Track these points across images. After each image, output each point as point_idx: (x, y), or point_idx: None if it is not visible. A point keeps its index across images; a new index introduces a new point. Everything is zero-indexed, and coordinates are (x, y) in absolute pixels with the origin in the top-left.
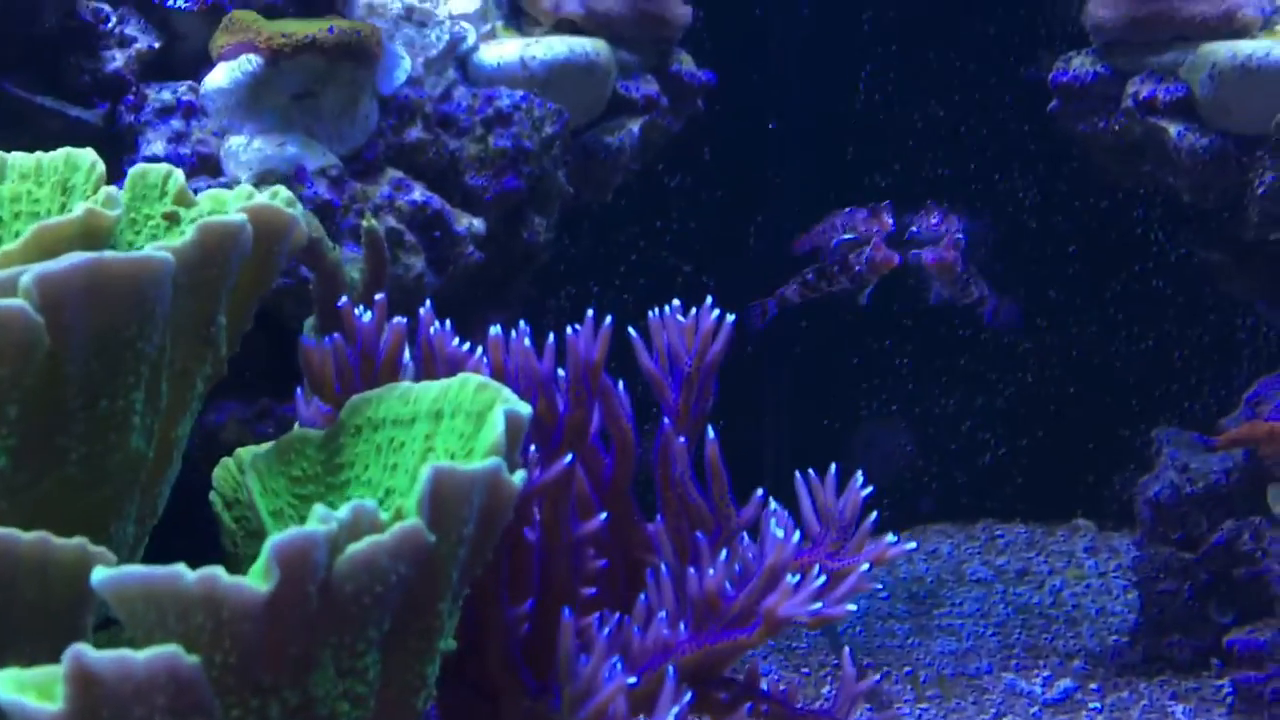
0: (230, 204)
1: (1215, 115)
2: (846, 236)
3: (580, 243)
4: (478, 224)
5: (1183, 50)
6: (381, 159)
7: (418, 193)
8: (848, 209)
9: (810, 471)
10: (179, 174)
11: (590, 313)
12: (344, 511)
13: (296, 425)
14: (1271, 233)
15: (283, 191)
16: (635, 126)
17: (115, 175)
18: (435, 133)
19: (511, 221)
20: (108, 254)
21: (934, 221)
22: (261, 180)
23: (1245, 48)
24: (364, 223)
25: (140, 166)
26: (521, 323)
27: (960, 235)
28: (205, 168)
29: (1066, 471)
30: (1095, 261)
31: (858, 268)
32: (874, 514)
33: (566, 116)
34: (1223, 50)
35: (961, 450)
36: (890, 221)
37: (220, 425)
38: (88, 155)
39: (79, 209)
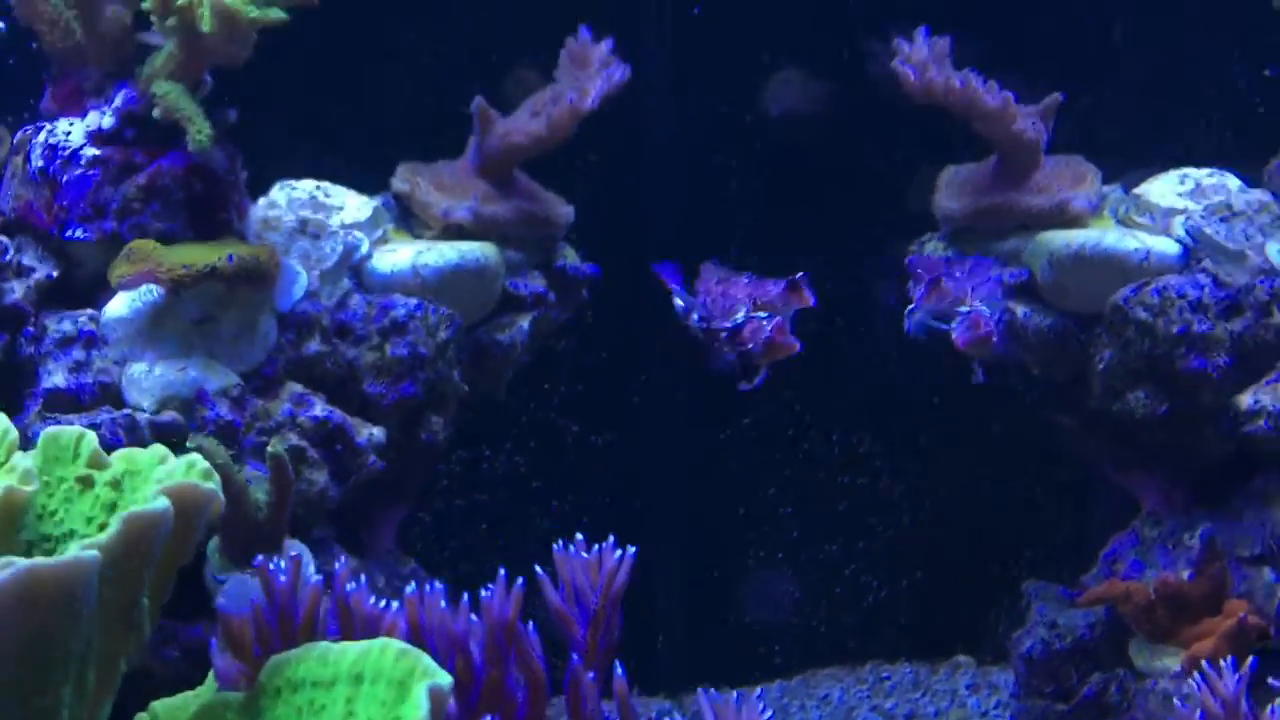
0: (144, 466)
1: (1056, 297)
2: (758, 315)
3: (469, 407)
4: (378, 433)
5: (1023, 238)
6: (281, 373)
7: (319, 408)
8: (750, 277)
9: (712, 691)
10: (91, 436)
11: (502, 572)
12: None
13: (210, 676)
14: (1112, 404)
15: (200, 462)
16: (525, 322)
17: (16, 409)
18: (333, 343)
19: (409, 424)
20: (39, 561)
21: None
22: (164, 405)
23: (1078, 237)
24: (269, 449)
25: (51, 430)
26: (437, 583)
27: (990, 297)
28: (107, 396)
29: (945, 609)
30: (962, 413)
31: (751, 345)
32: None
33: (460, 321)
34: (1058, 239)
35: (846, 593)
36: (811, 297)
37: None
38: None
39: None
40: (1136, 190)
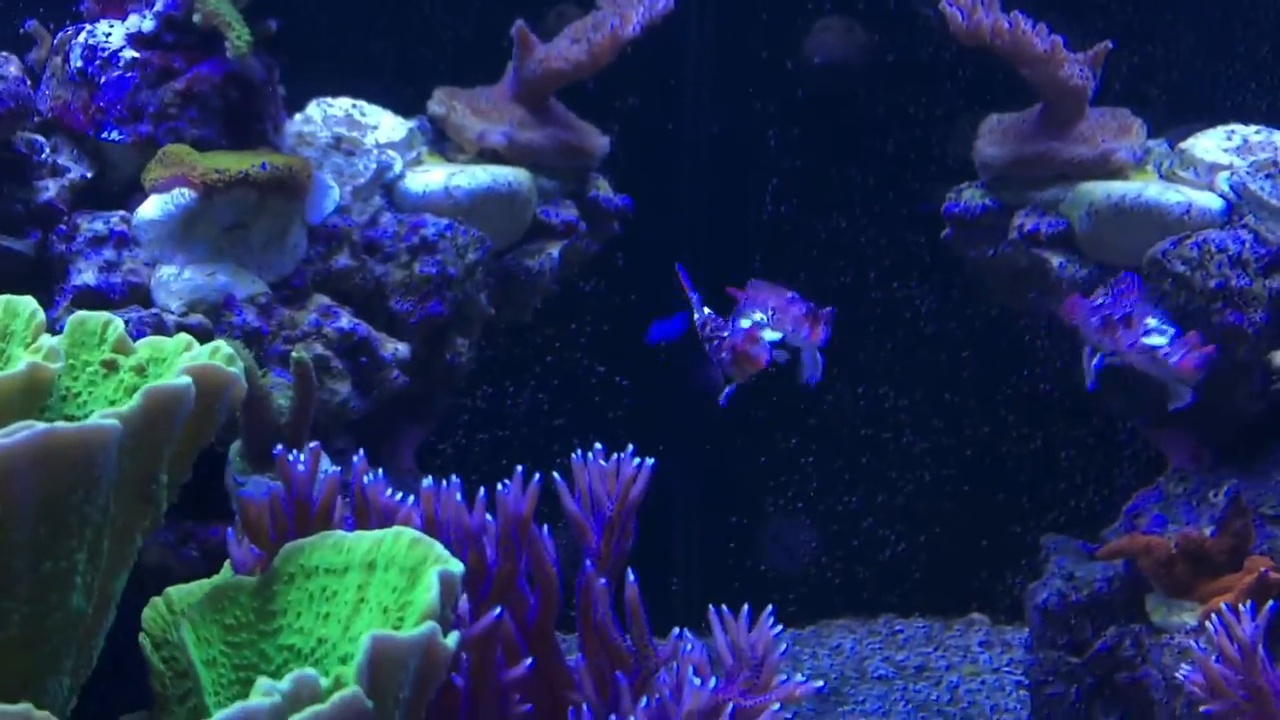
0: (169, 353)
1: (1093, 248)
2: (772, 337)
3: (496, 343)
4: (403, 349)
5: (1063, 188)
6: (309, 285)
7: (345, 319)
8: (791, 295)
9: (724, 608)
10: (118, 322)
11: (519, 468)
12: (286, 683)
13: (227, 564)
14: None
15: (224, 347)
16: (555, 251)
17: (45, 305)
18: (362, 259)
19: (434, 343)
20: (59, 425)
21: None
22: (191, 308)
23: (1118, 188)
24: (294, 355)
25: (79, 314)
26: (454, 477)
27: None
28: (136, 297)
29: (962, 566)
30: (987, 366)
31: (723, 354)
32: (783, 648)
33: (490, 244)
34: (1099, 190)
35: (863, 546)
36: (824, 335)
37: (143, 549)
38: (28, 303)
39: (23, 364)
40: (1182, 145)
